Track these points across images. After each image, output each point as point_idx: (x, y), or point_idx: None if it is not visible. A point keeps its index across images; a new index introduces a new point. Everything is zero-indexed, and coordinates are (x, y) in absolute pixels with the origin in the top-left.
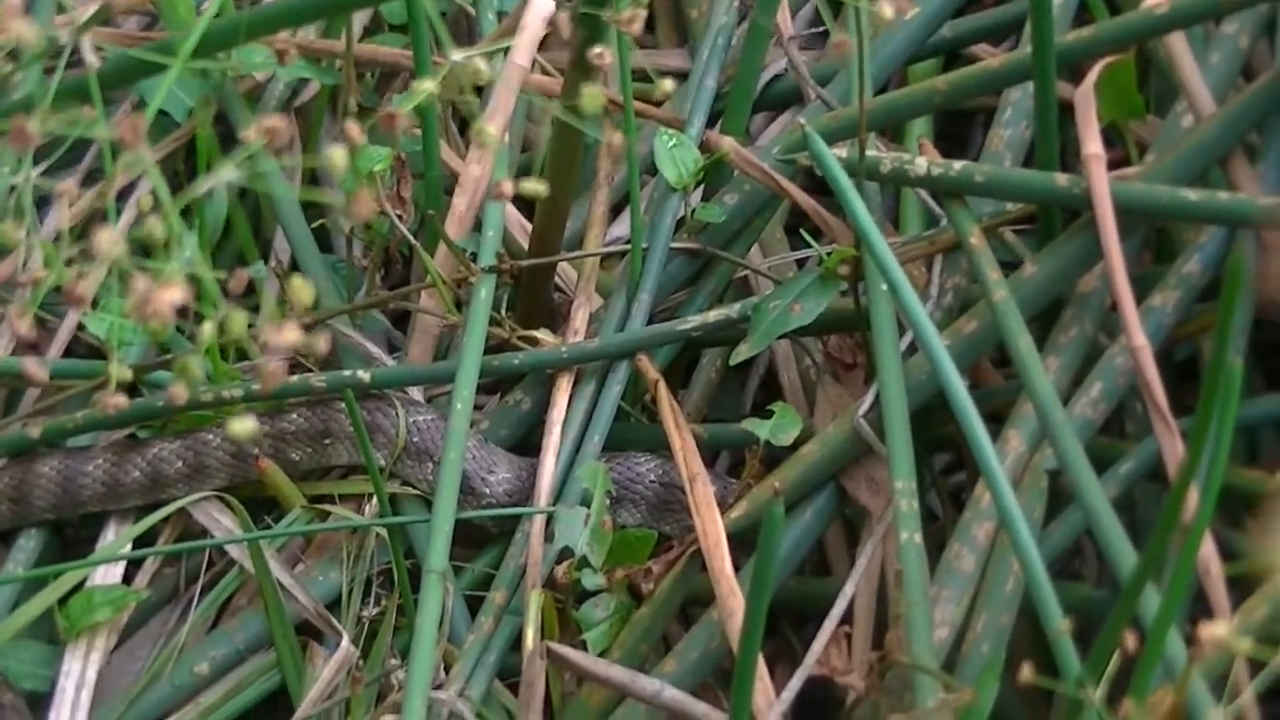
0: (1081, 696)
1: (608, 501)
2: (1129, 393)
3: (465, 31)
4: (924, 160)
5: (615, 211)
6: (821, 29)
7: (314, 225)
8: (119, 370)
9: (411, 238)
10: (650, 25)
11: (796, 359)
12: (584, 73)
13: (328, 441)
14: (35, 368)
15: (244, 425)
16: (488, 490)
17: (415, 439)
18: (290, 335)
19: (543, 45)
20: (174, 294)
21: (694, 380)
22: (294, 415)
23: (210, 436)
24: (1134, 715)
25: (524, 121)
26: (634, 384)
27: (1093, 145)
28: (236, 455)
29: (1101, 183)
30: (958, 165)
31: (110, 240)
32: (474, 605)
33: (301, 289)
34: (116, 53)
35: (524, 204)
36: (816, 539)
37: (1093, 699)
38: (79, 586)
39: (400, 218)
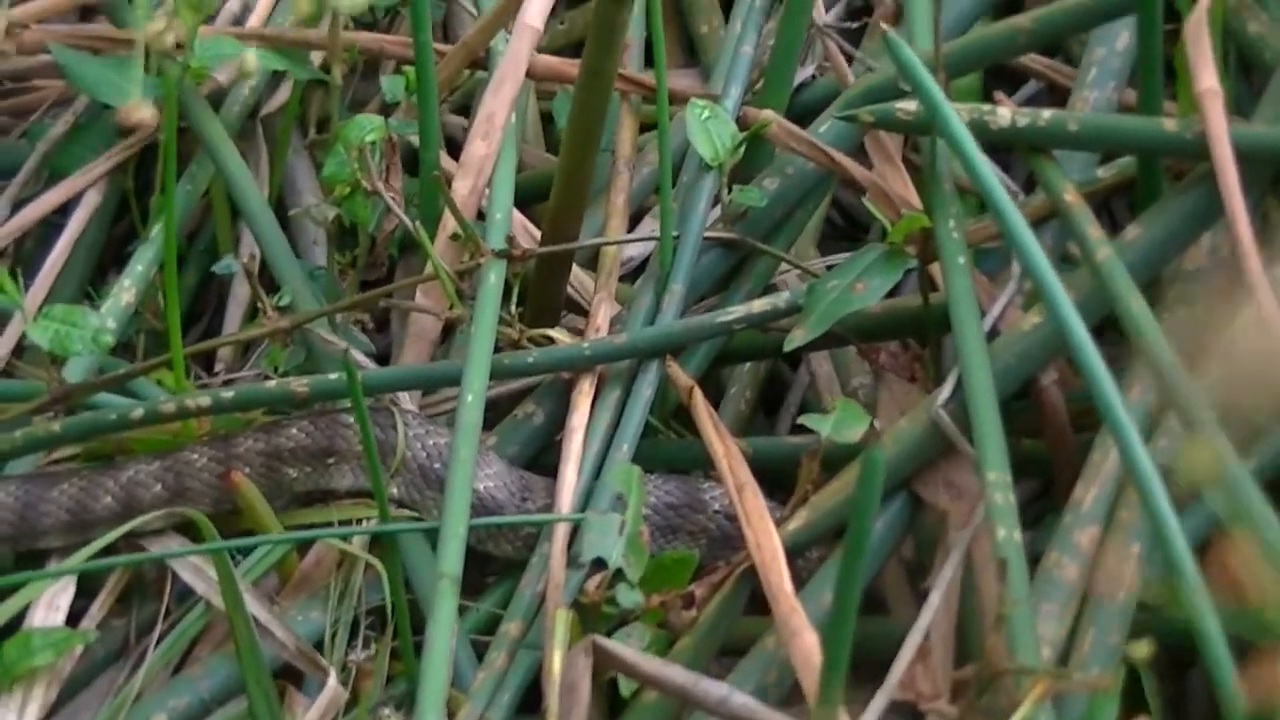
0: None
1: (660, 531)
2: None
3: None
4: (1007, 110)
5: (635, 220)
6: (857, 23)
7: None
8: None
9: (405, 218)
10: None
11: (841, 380)
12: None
13: (331, 460)
14: None
15: None
16: (487, 502)
17: (431, 461)
18: None
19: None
20: None
21: (723, 406)
22: (294, 430)
23: (194, 456)
24: None
25: (532, 100)
26: (661, 398)
27: (1208, 79)
28: (225, 476)
29: (1219, 120)
30: (1047, 114)
31: None
32: (480, 653)
33: None
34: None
35: (528, 206)
36: (888, 556)
37: None
38: (13, 630)
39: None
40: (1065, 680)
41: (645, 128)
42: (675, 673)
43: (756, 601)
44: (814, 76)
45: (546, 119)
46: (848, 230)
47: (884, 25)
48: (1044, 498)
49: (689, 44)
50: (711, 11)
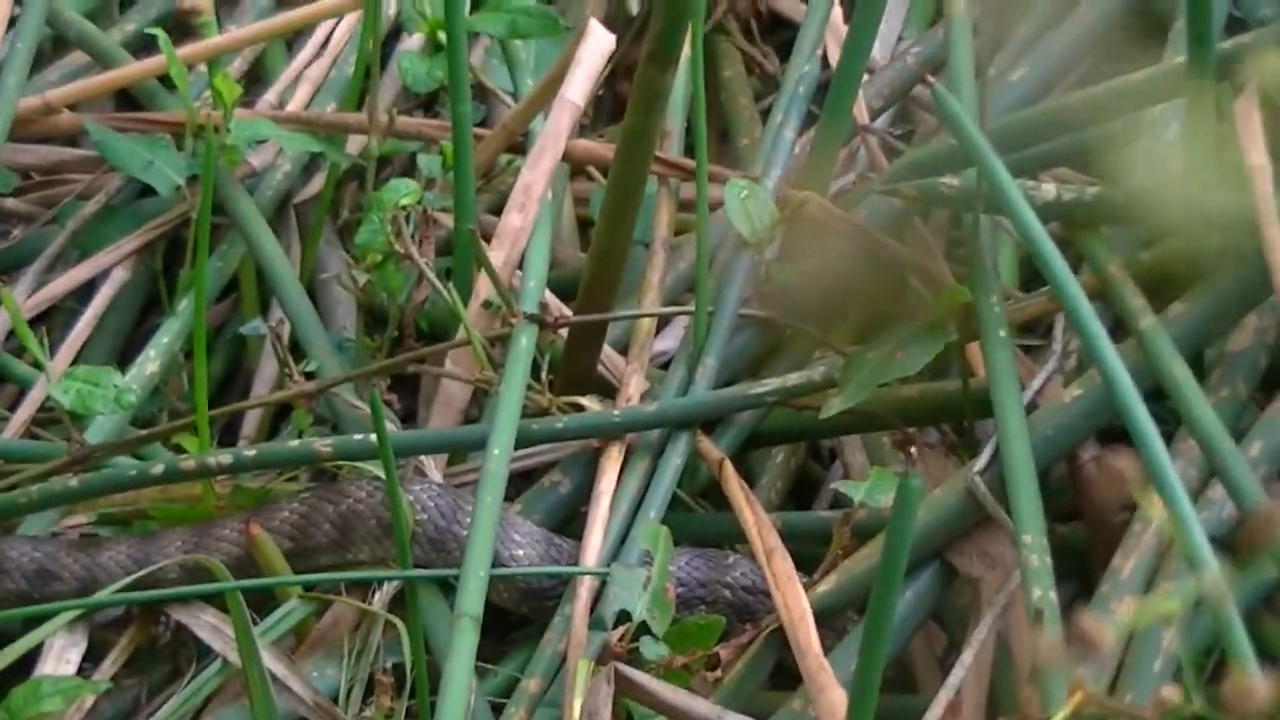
0: None
1: (680, 604)
2: None
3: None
4: (1052, 185)
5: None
6: (901, 130)
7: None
8: None
9: (438, 283)
10: None
11: (874, 465)
12: (661, 66)
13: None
14: None
15: None
16: (513, 565)
17: (431, 518)
18: None
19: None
20: None
21: (757, 489)
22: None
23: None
24: None
25: (568, 201)
26: (691, 474)
27: (1257, 155)
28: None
29: (1268, 195)
30: (1092, 190)
31: None
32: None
33: None
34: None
35: (562, 289)
36: (917, 627)
37: None
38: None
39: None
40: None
41: (679, 231)
42: (700, 705)
43: (782, 675)
44: (855, 182)
45: (583, 225)
46: None
47: (932, 81)
48: (1078, 597)
49: (732, 159)
50: (753, 125)
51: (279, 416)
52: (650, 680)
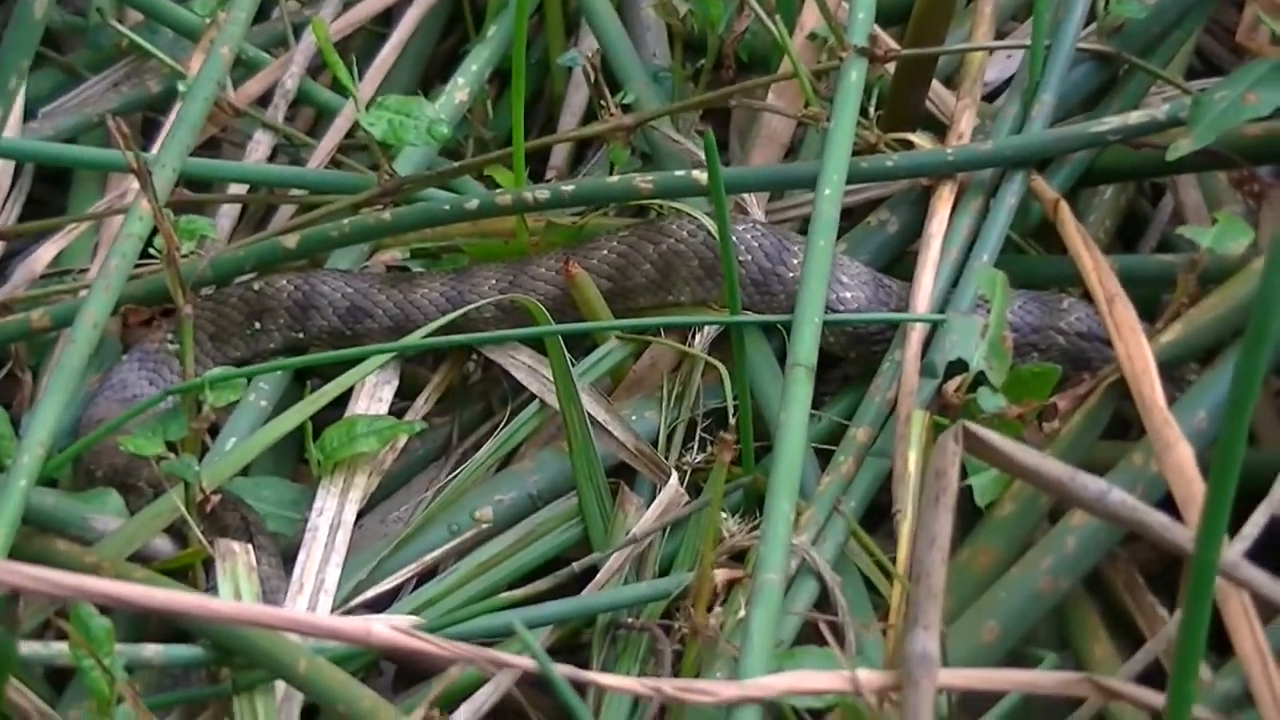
0: None
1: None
2: None
3: None
4: None
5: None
6: None
7: None
8: None
9: (763, 12)
10: None
11: (1210, 209)
12: None
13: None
14: None
15: None
16: (841, 308)
17: (755, 259)
18: None
19: None
20: None
21: (1086, 226)
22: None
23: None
24: None
25: None
26: (1022, 214)
27: None
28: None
29: None
30: None
31: None
32: (823, 464)
33: None
34: None
35: (881, 14)
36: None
37: None
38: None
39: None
40: None
41: None
42: (1052, 466)
43: (1116, 426)
44: None
45: None
46: (1209, 73)
47: None
48: None
49: None
50: None
51: (583, 143)
52: (1001, 440)
